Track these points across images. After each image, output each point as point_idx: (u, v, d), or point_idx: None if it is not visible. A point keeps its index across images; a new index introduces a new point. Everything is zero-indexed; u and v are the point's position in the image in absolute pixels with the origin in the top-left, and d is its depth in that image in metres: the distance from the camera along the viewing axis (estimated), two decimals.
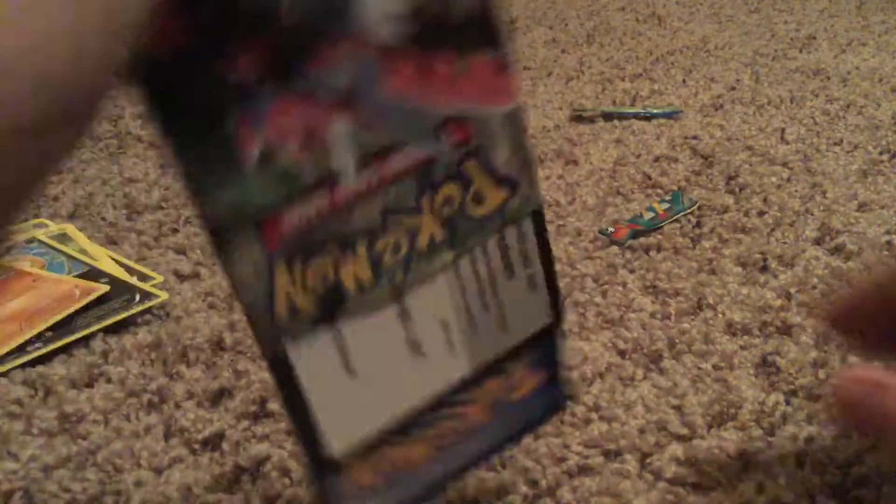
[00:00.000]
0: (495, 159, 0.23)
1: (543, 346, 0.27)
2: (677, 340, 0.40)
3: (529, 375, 0.27)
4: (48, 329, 0.42)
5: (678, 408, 0.35)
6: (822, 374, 0.37)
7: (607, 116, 0.72)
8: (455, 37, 0.22)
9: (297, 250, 0.21)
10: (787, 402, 0.35)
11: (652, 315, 0.42)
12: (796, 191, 0.56)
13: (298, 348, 0.22)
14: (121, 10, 0.16)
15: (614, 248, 0.49)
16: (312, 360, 0.22)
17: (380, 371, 0.23)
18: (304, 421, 0.22)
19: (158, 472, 0.34)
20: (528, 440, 0.33)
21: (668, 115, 0.72)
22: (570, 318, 0.42)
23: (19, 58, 0.14)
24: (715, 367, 0.38)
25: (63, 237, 0.52)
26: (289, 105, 0.20)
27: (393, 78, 0.21)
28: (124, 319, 0.43)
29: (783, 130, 0.67)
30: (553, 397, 0.29)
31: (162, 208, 0.57)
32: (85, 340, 0.42)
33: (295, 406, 0.22)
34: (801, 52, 0.91)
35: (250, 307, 0.21)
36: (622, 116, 0.72)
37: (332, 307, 0.22)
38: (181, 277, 0.48)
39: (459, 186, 0.23)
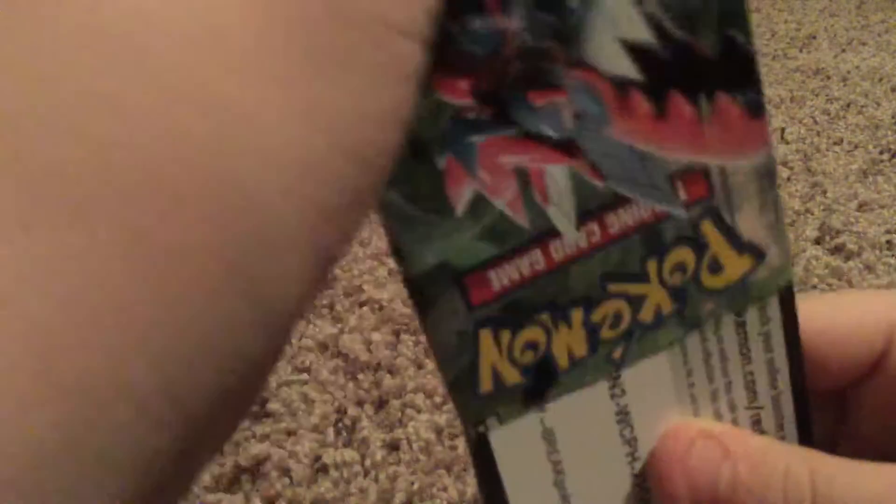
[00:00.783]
0: (740, 221, 0.19)
1: None
2: None
3: None
4: None
5: None
6: None
7: None
8: (703, 73, 0.18)
9: (506, 315, 0.18)
10: None
11: None
12: (796, 190, 0.56)
13: (501, 431, 0.19)
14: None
15: None
16: (516, 444, 0.19)
17: (585, 461, 0.20)
18: None
19: None
20: None
21: None
22: None
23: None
24: None
25: None
26: (504, 144, 0.17)
27: (625, 119, 0.17)
28: None
29: (783, 130, 0.67)
30: None
31: None
32: None
33: (491, 495, 0.19)
34: (801, 51, 0.91)
35: (453, 379, 0.18)
36: None
37: (541, 384, 0.19)
38: None
39: (693, 251, 0.19)
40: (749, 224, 0.19)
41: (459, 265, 0.17)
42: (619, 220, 0.18)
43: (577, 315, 0.19)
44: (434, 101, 0.16)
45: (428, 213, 0.17)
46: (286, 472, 0.33)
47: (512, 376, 0.18)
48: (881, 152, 0.62)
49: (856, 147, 0.63)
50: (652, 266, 0.19)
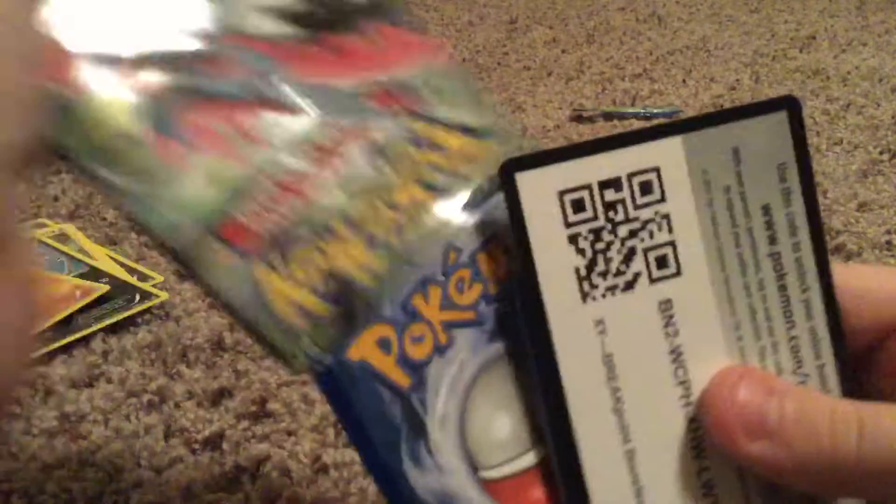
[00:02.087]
0: (442, 112, 0.22)
1: None
2: None
3: None
4: (48, 329, 0.42)
5: None
6: None
7: (607, 116, 0.72)
8: (358, 13, 0.22)
9: (274, 248, 0.19)
10: None
11: None
12: None
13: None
14: None
15: None
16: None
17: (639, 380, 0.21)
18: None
19: (158, 471, 0.34)
20: None
21: (669, 115, 0.72)
22: None
23: None
24: None
25: (63, 237, 0.52)
26: (198, 109, 0.19)
27: (304, 64, 0.21)
28: (124, 319, 0.43)
29: None
30: None
31: None
32: (85, 340, 0.42)
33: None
34: (801, 51, 0.91)
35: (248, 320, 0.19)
36: (622, 116, 0.72)
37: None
38: (181, 277, 0.48)
39: (414, 146, 0.21)
40: (452, 112, 0.22)
41: (206, 219, 0.19)
42: (344, 144, 0.20)
43: (340, 227, 0.20)
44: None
45: (155, 185, 0.18)
46: (286, 472, 0.33)
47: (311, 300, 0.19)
48: (881, 153, 0.62)
49: (856, 147, 0.63)
50: (389, 168, 0.21)
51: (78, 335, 0.42)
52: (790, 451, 0.19)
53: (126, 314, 0.43)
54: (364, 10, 0.22)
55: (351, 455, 0.33)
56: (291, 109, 0.20)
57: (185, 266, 0.19)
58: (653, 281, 0.20)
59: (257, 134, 0.19)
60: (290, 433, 0.35)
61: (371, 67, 0.22)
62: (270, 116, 0.20)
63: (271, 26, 0.21)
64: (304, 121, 0.20)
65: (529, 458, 0.21)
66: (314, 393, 0.37)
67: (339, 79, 0.21)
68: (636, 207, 0.20)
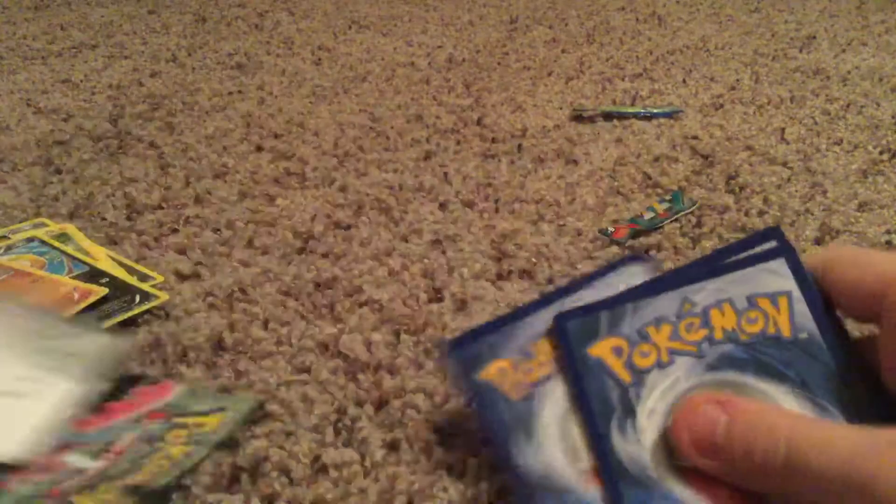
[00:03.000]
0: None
1: None
2: None
3: None
4: None
5: None
6: None
7: (607, 116, 0.72)
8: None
9: None
10: None
11: None
12: (796, 190, 0.56)
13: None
14: None
15: (615, 248, 0.49)
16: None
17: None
18: None
19: None
20: None
21: (669, 115, 0.72)
22: None
23: None
24: None
25: (63, 237, 0.52)
26: None
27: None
28: (124, 320, 0.43)
29: (783, 130, 0.67)
30: None
31: (162, 208, 0.57)
32: None
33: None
34: (801, 51, 0.91)
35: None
36: (622, 116, 0.72)
37: None
38: (181, 277, 0.48)
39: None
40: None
41: None
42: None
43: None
44: None
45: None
46: (286, 472, 0.33)
47: None
48: (881, 152, 0.62)
49: (856, 147, 0.63)
50: None
51: None
52: (731, 466, 0.25)
53: (126, 315, 0.43)
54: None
55: (351, 455, 0.33)
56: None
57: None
58: None
59: None
60: (289, 433, 0.35)
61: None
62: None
63: None
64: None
65: None
66: (314, 393, 0.37)
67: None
68: None
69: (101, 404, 0.36)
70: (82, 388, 0.36)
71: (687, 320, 0.29)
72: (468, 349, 0.30)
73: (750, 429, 0.24)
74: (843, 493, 0.21)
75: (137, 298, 0.45)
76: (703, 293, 0.29)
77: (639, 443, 0.28)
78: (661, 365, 0.29)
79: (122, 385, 0.38)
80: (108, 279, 0.46)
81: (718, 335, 0.29)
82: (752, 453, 0.24)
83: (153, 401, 0.37)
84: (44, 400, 0.35)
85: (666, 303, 0.30)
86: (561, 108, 0.75)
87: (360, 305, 0.44)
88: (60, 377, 0.37)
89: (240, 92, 0.83)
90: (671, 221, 0.52)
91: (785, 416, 0.24)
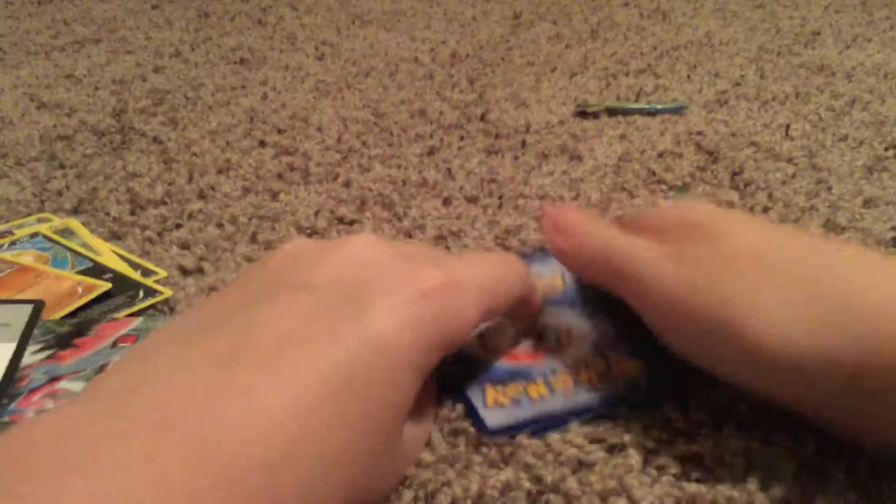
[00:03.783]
0: None
1: None
2: None
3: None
4: None
5: (682, 406, 0.35)
6: None
7: (611, 112, 0.72)
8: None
9: None
10: None
11: None
12: (801, 187, 0.56)
13: None
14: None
15: None
16: None
17: None
18: None
19: None
20: (529, 437, 0.33)
21: (673, 111, 0.72)
22: None
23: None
24: None
25: (67, 232, 0.52)
26: None
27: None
28: (128, 316, 0.43)
29: (788, 126, 0.67)
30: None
31: (165, 203, 0.57)
32: None
33: None
34: (805, 47, 0.90)
35: None
36: (626, 112, 0.72)
37: None
38: (185, 273, 0.48)
39: None
40: None
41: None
42: None
43: None
44: None
45: None
46: None
47: None
48: (886, 149, 0.62)
49: (861, 143, 0.63)
50: None
51: None
52: (578, 246, 0.36)
53: (130, 310, 0.43)
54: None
55: None
56: None
57: None
58: None
59: None
60: None
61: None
62: None
63: None
64: None
65: None
66: None
67: None
68: None
69: (70, 341, 0.39)
70: (15, 345, 0.39)
71: None
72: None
73: (593, 224, 0.36)
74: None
75: (141, 294, 0.45)
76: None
77: None
78: None
79: (82, 327, 0.41)
80: (111, 274, 0.46)
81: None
82: (588, 236, 0.36)
83: (120, 329, 0.40)
84: None
85: None
86: (565, 104, 0.75)
87: None
88: None
89: (243, 87, 0.83)
90: None
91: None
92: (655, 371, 0.35)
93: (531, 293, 0.37)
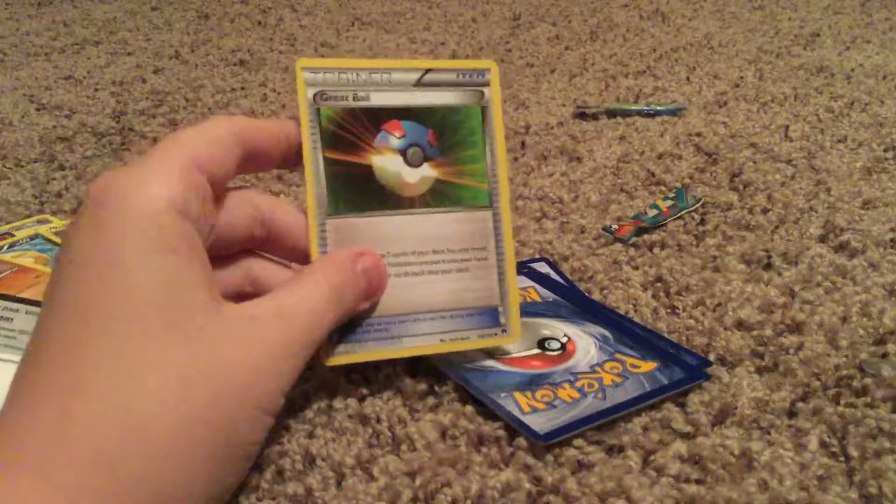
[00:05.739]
0: None
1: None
2: (681, 338, 0.40)
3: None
4: None
5: (682, 405, 0.35)
6: (826, 371, 0.37)
7: (611, 113, 0.72)
8: None
9: None
10: (792, 401, 0.35)
11: (655, 312, 0.42)
12: (800, 188, 0.56)
13: None
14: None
15: (618, 246, 0.49)
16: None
17: None
18: None
19: None
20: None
21: (672, 112, 0.72)
22: None
23: None
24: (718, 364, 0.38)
25: None
26: None
27: None
28: None
29: (787, 127, 0.67)
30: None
31: None
32: None
33: None
34: (805, 49, 0.91)
35: None
36: (626, 113, 0.72)
37: None
38: None
39: None
40: None
41: None
42: None
43: None
44: None
45: None
46: (281, 469, 0.33)
47: None
48: (885, 150, 0.62)
49: (860, 145, 0.63)
50: None
51: None
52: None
53: None
54: None
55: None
56: None
57: None
58: None
59: None
60: (286, 429, 0.35)
61: None
62: None
63: None
64: None
65: None
66: (309, 389, 0.37)
67: None
68: None
69: None
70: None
71: None
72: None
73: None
74: None
75: None
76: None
77: None
78: None
79: None
80: None
81: None
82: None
83: None
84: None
85: None
86: (564, 106, 0.75)
87: None
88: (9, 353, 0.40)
89: (242, 88, 0.83)
90: (675, 219, 0.52)
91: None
92: (668, 367, 0.36)
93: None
